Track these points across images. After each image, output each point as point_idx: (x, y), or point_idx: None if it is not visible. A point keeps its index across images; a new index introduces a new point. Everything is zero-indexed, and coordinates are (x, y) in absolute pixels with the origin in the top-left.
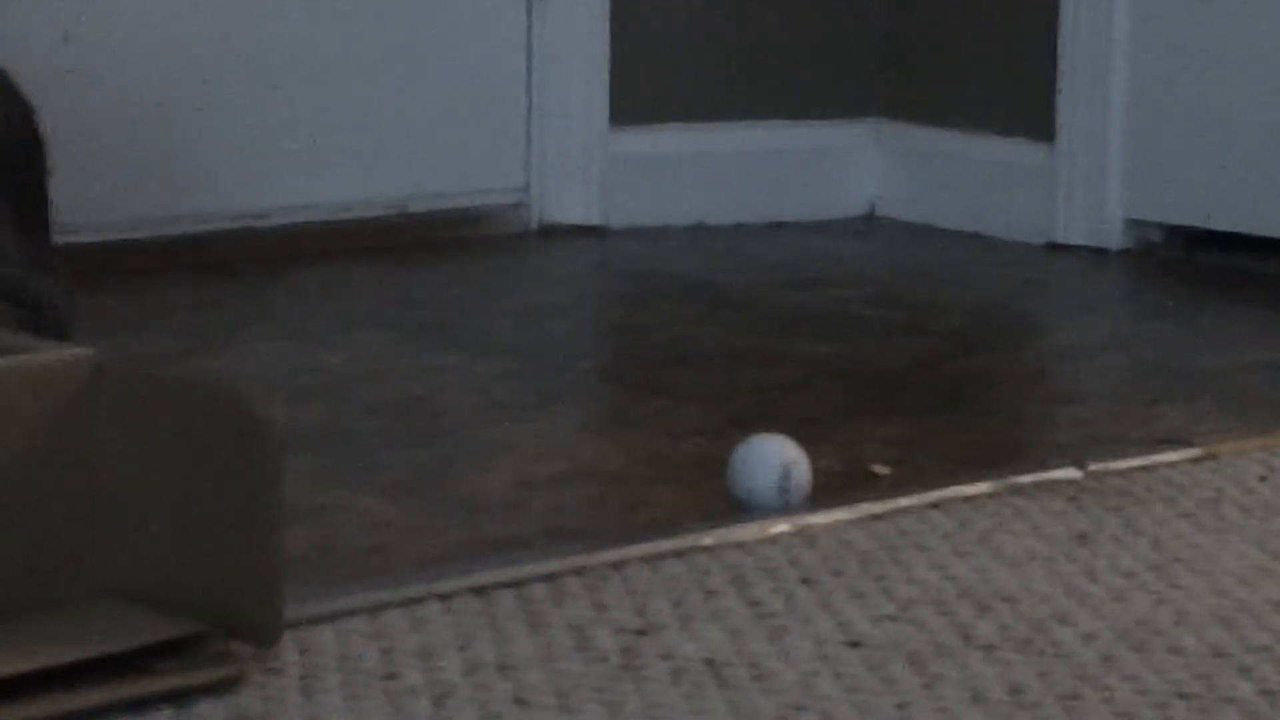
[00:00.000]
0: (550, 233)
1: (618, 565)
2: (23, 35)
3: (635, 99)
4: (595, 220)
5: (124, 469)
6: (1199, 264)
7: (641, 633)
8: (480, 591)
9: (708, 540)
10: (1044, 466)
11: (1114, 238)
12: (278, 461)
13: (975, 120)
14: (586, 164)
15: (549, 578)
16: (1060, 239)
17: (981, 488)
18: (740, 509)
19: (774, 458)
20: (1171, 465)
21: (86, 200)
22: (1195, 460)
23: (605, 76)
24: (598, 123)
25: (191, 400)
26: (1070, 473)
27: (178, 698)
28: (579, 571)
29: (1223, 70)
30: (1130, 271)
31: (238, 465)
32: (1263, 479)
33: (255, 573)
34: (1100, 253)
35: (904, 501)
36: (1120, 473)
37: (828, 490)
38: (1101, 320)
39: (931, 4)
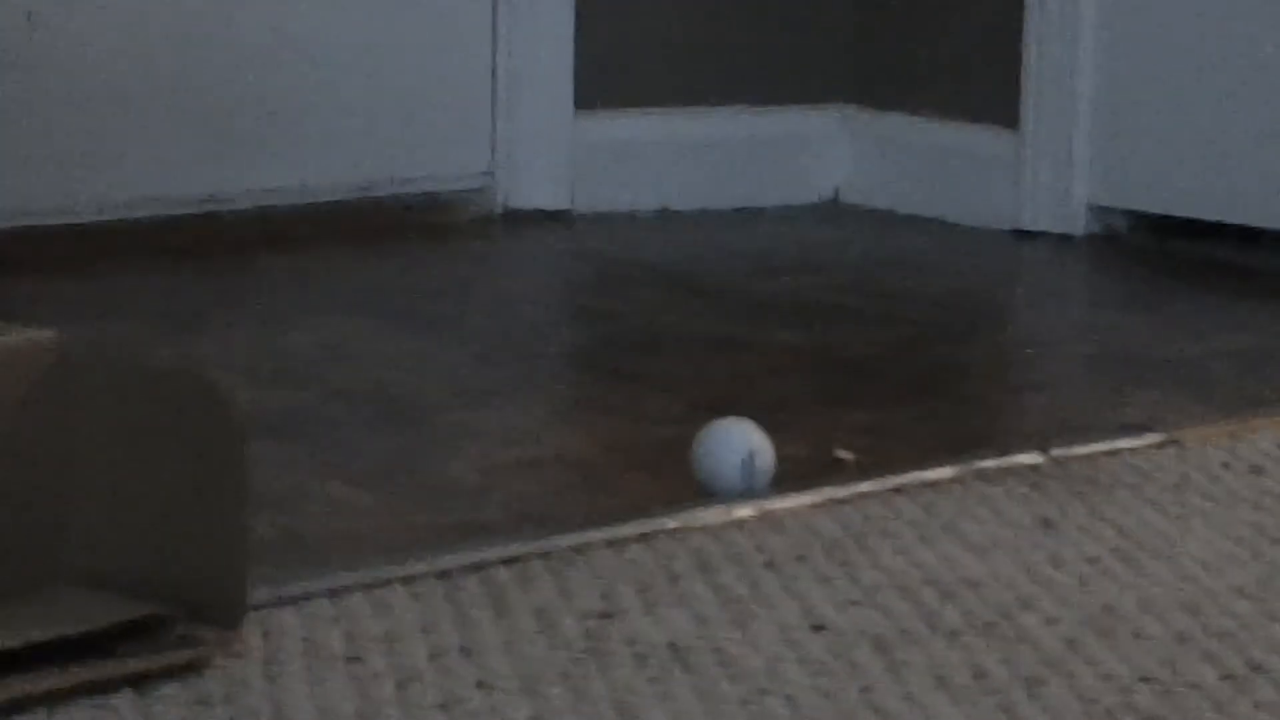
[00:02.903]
0: (516, 217)
1: (582, 550)
2: None
3: (601, 83)
4: (561, 205)
5: (89, 454)
6: (1165, 251)
7: (606, 617)
8: (444, 575)
9: (672, 525)
10: (1008, 452)
11: (1080, 224)
12: (243, 446)
13: (941, 107)
14: (552, 148)
15: (513, 562)
16: (1026, 225)
17: (946, 473)
18: (704, 493)
19: (738, 443)
20: (1136, 451)
21: (49, 184)
22: (1160, 446)
23: (571, 60)
24: (564, 107)
25: (157, 385)
26: (1034, 458)
27: (140, 681)
28: (543, 556)
29: (1189, 56)
30: (1096, 258)
31: (203, 450)
32: (1227, 465)
33: (219, 556)
34: (1066, 239)
35: (869, 487)
36: (1085, 459)
37: (793, 476)
38: (1067, 307)
39: None
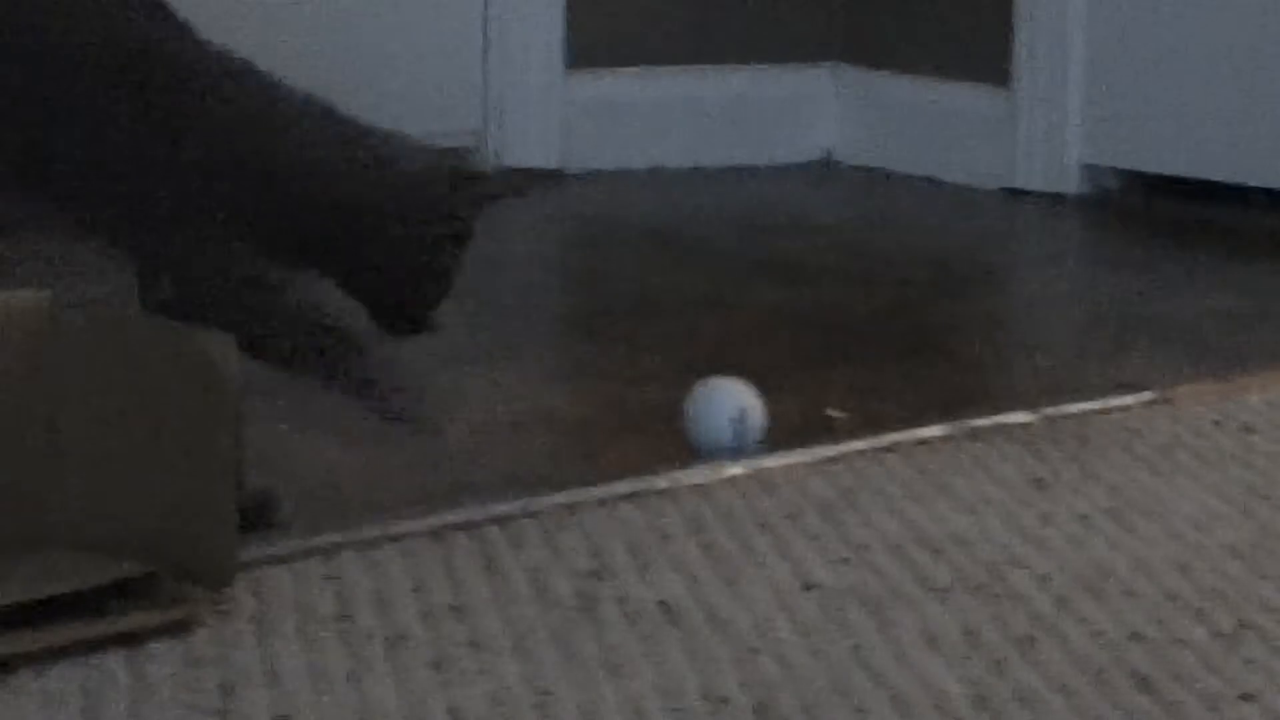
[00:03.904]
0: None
1: (574, 509)
2: None
3: (593, 42)
4: (552, 164)
5: (80, 412)
6: (1156, 210)
7: (597, 576)
8: (436, 535)
9: (664, 484)
10: (1000, 411)
11: (1072, 183)
12: (234, 405)
13: (933, 65)
14: (544, 107)
15: (505, 521)
16: (1018, 184)
17: (937, 432)
18: (695, 452)
19: (729, 401)
20: (1127, 410)
21: None
22: (1151, 405)
23: (562, 19)
24: (555, 66)
25: (149, 344)
26: (1026, 417)
27: (130, 640)
28: (535, 515)
29: (1181, 15)
30: (1088, 217)
31: (194, 408)
32: (1218, 424)
33: (210, 515)
34: (1058, 198)
35: (860, 446)
36: (1076, 417)
37: (784, 435)
38: (1059, 267)
39: None
